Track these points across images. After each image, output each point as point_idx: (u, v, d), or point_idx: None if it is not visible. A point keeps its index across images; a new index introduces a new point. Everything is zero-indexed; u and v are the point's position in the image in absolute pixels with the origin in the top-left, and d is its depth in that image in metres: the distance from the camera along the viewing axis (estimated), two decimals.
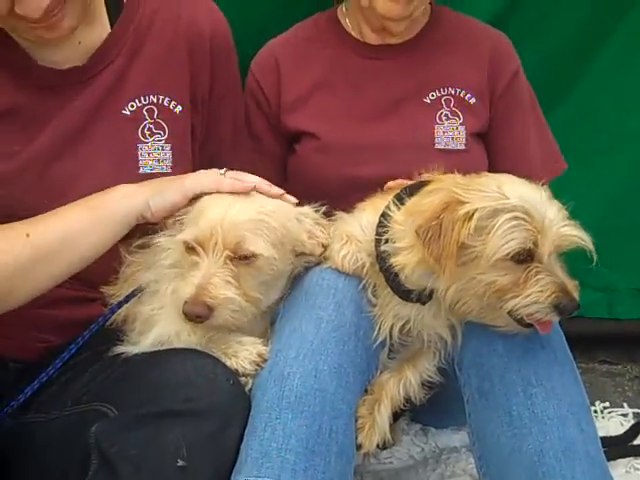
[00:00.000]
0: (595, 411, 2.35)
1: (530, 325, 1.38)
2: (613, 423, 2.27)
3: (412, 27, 1.92)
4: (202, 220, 1.45)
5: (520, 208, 1.31)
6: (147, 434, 1.30)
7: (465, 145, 1.87)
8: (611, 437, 2.12)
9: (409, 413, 2.19)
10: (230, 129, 1.91)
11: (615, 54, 2.55)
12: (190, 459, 1.29)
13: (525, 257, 1.32)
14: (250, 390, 1.46)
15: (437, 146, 1.86)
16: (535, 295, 1.32)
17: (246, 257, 1.44)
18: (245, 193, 1.50)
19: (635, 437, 2.13)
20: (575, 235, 1.34)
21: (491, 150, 1.94)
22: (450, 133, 1.86)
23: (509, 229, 1.30)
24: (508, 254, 1.31)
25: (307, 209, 1.58)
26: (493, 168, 1.90)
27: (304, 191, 1.62)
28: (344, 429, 1.40)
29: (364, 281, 1.54)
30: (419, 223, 1.36)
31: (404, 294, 1.46)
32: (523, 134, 1.96)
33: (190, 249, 1.46)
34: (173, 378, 1.37)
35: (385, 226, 1.47)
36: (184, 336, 1.52)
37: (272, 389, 1.40)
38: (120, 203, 1.53)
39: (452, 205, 1.33)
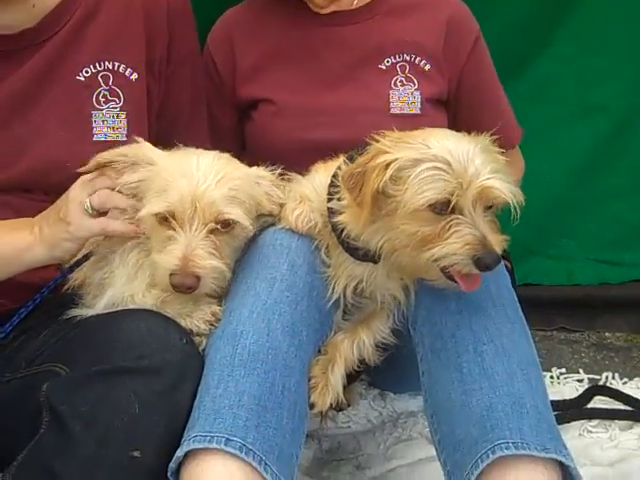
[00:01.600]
0: (551, 377, 2.41)
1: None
2: (568, 388, 2.31)
3: None
4: (172, 191, 1.44)
5: (440, 158, 1.31)
6: (98, 391, 1.30)
7: (420, 110, 1.87)
8: (565, 400, 2.16)
9: (367, 378, 2.23)
10: (188, 98, 1.89)
11: (576, 27, 2.60)
12: (142, 415, 1.29)
13: (445, 208, 1.32)
14: (204, 350, 1.46)
15: (392, 111, 1.87)
16: (452, 246, 1.31)
17: (226, 226, 1.46)
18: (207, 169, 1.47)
19: (589, 401, 2.17)
20: (497, 188, 1.32)
21: (466, 115, 1.95)
22: (405, 99, 1.87)
23: (426, 179, 1.30)
24: (423, 204, 1.31)
25: (263, 171, 1.58)
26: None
27: (262, 157, 1.62)
28: (296, 387, 1.41)
29: (317, 241, 1.54)
30: (345, 171, 1.37)
31: (354, 252, 1.47)
32: (494, 98, 1.99)
33: (163, 221, 1.45)
34: (125, 337, 1.37)
35: (336, 186, 1.48)
36: (138, 298, 1.52)
37: (225, 347, 1.40)
38: (24, 258, 1.53)
39: (377, 155, 1.34)
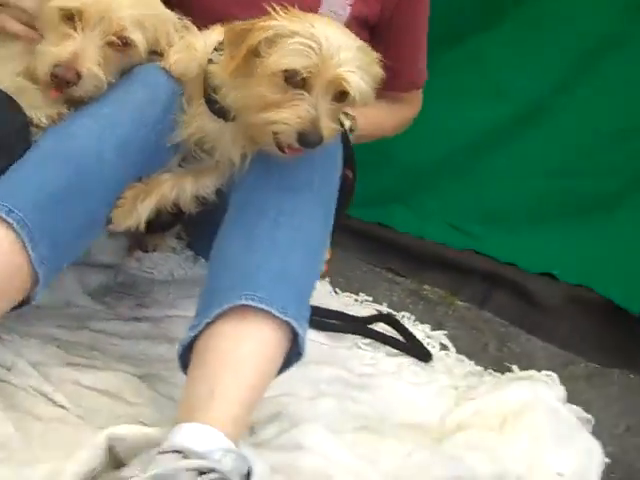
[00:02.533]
0: (356, 300, 2.60)
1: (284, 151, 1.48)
2: (366, 312, 2.46)
3: None
4: None
5: (316, 38, 1.39)
6: None
7: (345, 24, 1.91)
8: (350, 315, 2.33)
9: (187, 238, 2.36)
10: None
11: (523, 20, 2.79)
12: None
13: (297, 82, 1.41)
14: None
15: (320, 10, 1.93)
16: (284, 115, 1.41)
17: (123, 45, 1.54)
18: None
19: (372, 323, 2.35)
20: (349, 82, 1.41)
21: (388, 47, 1.91)
22: (334, 7, 1.95)
23: (293, 49, 1.39)
24: (279, 69, 1.40)
25: (174, 16, 1.67)
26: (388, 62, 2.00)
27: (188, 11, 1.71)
28: (102, 196, 1.51)
29: (184, 88, 1.62)
30: (231, 26, 1.46)
31: (212, 105, 1.55)
32: (417, 43, 2.13)
33: (67, 19, 1.51)
34: None
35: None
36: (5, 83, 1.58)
37: (51, 140, 1.49)
38: None
39: (266, 19, 1.43)
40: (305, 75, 1.41)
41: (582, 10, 2.74)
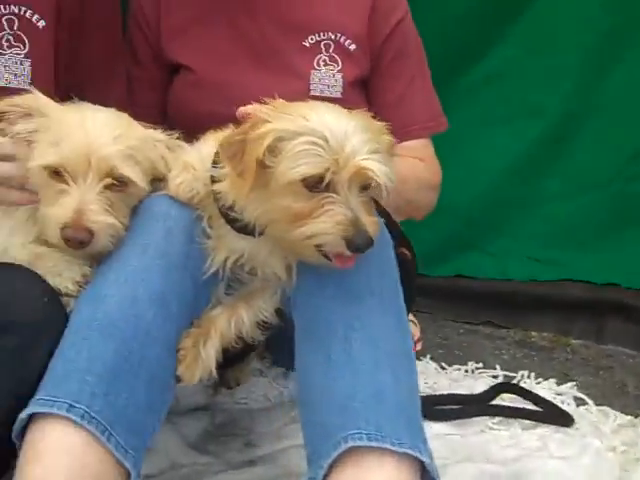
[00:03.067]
0: (466, 371, 2.38)
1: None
2: (481, 383, 2.27)
3: None
4: (65, 144, 1.39)
5: (318, 133, 1.26)
6: None
7: (341, 94, 1.83)
8: (468, 395, 2.13)
9: (270, 356, 2.19)
10: (104, 51, 1.82)
11: (524, 27, 2.60)
12: None
13: (318, 185, 1.27)
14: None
15: (312, 92, 1.82)
16: (322, 225, 1.26)
17: (121, 183, 1.42)
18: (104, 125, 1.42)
19: (495, 397, 2.14)
20: (371, 169, 1.26)
21: (372, 98, 1.90)
22: (326, 80, 1.82)
23: (301, 152, 1.25)
24: (296, 178, 1.26)
25: (160, 134, 1.54)
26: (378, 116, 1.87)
27: (180, 127, 1.58)
28: (158, 357, 1.36)
29: (199, 211, 1.49)
30: (225, 139, 1.32)
31: (234, 223, 1.41)
32: (406, 83, 1.91)
33: (55, 174, 1.40)
34: None
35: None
36: (12, 252, 1.46)
37: (85, 310, 1.36)
38: None
39: (257, 124, 1.29)
40: (325, 175, 1.26)
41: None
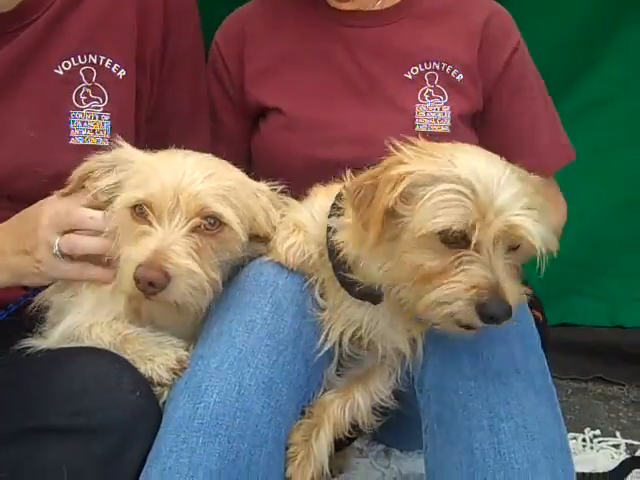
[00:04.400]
0: (583, 439, 2.13)
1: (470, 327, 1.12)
2: (603, 455, 2.03)
3: None
4: (152, 182, 1.23)
5: (465, 181, 1.06)
6: (21, 454, 1.10)
7: (450, 128, 1.63)
8: (599, 474, 1.87)
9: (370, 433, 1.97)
10: (186, 101, 1.68)
11: (630, 44, 2.35)
12: None
13: (459, 240, 1.07)
14: (165, 403, 1.23)
15: (418, 128, 1.62)
16: (455, 288, 1.06)
17: (212, 226, 1.23)
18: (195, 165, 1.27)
19: (626, 474, 1.87)
20: (526, 228, 1.06)
21: (494, 136, 1.69)
22: (433, 114, 1.63)
23: (443, 201, 1.06)
24: (433, 231, 1.06)
25: (264, 185, 1.36)
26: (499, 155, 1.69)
27: (269, 174, 1.41)
28: (268, 459, 1.17)
29: (311, 278, 1.30)
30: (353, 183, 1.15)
31: (351, 288, 1.23)
32: (532, 118, 1.71)
33: (138, 215, 1.23)
34: (65, 386, 1.15)
35: (339, 208, 1.24)
36: (96, 332, 1.30)
37: (185, 405, 1.17)
38: None
39: (392, 166, 1.11)
40: (467, 231, 1.06)
41: None
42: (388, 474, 1.91)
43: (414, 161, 1.11)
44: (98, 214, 1.28)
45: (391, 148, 1.17)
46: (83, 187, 1.31)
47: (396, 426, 1.42)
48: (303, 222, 1.32)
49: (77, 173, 1.31)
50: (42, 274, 1.30)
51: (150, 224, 1.21)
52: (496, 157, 1.15)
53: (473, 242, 1.06)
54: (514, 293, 1.09)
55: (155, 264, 1.16)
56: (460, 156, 1.11)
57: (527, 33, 1.76)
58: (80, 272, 1.30)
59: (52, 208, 1.29)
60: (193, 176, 1.23)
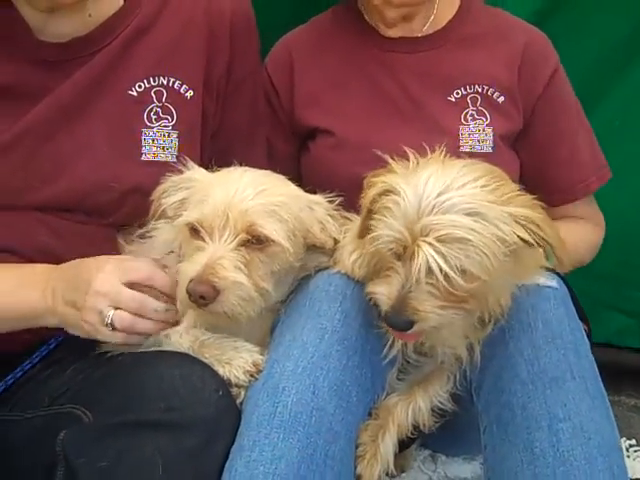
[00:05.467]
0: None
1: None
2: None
3: (436, 20, 1.78)
4: (208, 201, 1.33)
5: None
6: (120, 446, 1.17)
7: (492, 149, 1.70)
8: None
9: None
10: (246, 119, 1.77)
11: None
12: (166, 477, 1.15)
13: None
14: (242, 403, 1.31)
15: (462, 149, 1.69)
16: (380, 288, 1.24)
17: (259, 241, 1.32)
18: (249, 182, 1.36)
19: None
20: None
21: (537, 154, 1.77)
22: (476, 135, 1.71)
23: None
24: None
25: (320, 198, 1.45)
26: (541, 175, 1.75)
27: (318, 191, 1.50)
28: (341, 455, 1.25)
29: None
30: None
31: None
32: (573, 137, 1.79)
33: (194, 232, 1.33)
34: (156, 385, 1.23)
35: None
36: (175, 337, 1.39)
37: (264, 404, 1.25)
38: (36, 322, 1.40)
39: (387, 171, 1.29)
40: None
41: None
42: (435, 477, 1.98)
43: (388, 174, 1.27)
44: (166, 279, 1.36)
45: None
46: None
47: (444, 433, 1.49)
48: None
49: (155, 195, 1.41)
50: (86, 333, 1.35)
51: (203, 240, 1.31)
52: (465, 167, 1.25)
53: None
54: (424, 311, 1.21)
55: (204, 278, 1.26)
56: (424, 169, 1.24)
57: (560, 54, 1.82)
58: (127, 339, 1.35)
59: (104, 280, 1.32)
60: (244, 193, 1.32)
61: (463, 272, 1.16)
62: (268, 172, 1.44)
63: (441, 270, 1.15)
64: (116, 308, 1.31)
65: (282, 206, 1.35)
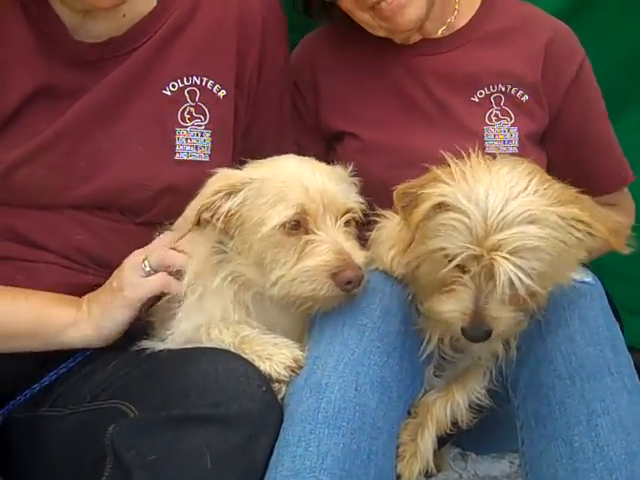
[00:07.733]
0: None
1: None
2: None
3: (457, 19, 1.78)
4: (293, 194, 1.35)
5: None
6: (168, 439, 1.19)
7: (518, 148, 1.70)
8: None
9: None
10: (276, 117, 1.79)
11: None
12: (214, 470, 1.17)
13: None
14: (283, 398, 1.34)
15: (487, 150, 1.69)
16: (447, 305, 1.26)
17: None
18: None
19: None
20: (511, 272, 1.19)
21: (569, 150, 1.77)
22: (501, 135, 1.70)
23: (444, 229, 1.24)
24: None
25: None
26: (577, 170, 1.68)
27: None
28: (384, 450, 1.27)
29: (411, 287, 1.42)
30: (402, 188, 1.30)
31: None
32: (604, 131, 1.80)
33: (292, 229, 1.34)
34: (201, 380, 1.25)
35: None
36: (214, 333, 1.41)
37: (308, 399, 1.27)
38: (67, 335, 1.45)
39: (430, 183, 1.27)
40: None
41: None
42: (465, 476, 2.00)
43: (447, 184, 1.26)
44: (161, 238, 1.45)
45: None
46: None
47: (475, 431, 1.50)
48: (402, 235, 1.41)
49: (191, 212, 1.38)
50: (127, 300, 1.41)
51: (308, 232, 1.34)
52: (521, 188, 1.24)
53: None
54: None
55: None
56: (479, 185, 1.24)
57: (588, 54, 1.80)
58: (166, 281, 1.42)
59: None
60: (326, 177, 1.38)
61: (537, 278, 1.19)
62: (309, 158, 1.47)
63: (522, 283, 1.17)
64: None
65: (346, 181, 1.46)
